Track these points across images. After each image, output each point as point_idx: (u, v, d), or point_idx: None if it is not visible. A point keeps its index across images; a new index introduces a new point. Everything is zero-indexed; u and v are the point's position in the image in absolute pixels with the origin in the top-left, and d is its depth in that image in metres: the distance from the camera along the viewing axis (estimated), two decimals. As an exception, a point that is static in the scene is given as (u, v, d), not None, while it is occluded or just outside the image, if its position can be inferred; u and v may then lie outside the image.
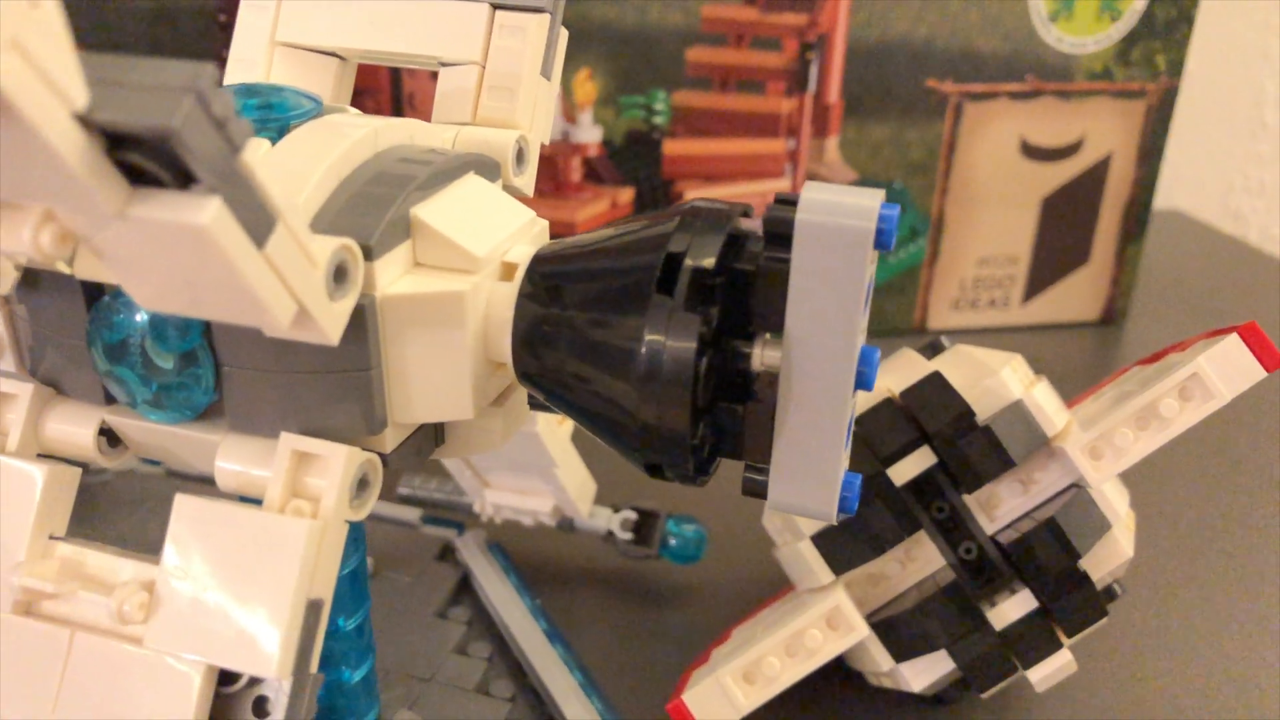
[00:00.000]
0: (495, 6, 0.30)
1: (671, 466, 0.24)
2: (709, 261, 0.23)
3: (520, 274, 0.25)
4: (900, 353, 0.40)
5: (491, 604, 0.43)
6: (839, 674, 0.41)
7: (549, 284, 0.25)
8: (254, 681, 0.24)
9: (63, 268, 0.24)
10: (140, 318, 0.24)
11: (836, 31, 0.62)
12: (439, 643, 0.41)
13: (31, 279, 0.25)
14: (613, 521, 0.46)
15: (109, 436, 0.26)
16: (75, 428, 0.26)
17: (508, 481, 0.45)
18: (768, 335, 0.25)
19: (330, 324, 0.22)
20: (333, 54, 0.32)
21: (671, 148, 0.64)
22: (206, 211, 0.18)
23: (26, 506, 0.25)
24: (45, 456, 0.26)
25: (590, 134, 0.62)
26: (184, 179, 0.19)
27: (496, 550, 0.46)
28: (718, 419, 0.25)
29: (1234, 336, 0.34)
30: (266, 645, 0.23)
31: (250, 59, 0.32)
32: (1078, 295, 0.73)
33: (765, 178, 0.65)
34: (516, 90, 0.30)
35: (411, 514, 0.48)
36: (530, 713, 0.38)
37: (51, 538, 0.25)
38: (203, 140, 0.18)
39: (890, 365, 0.39)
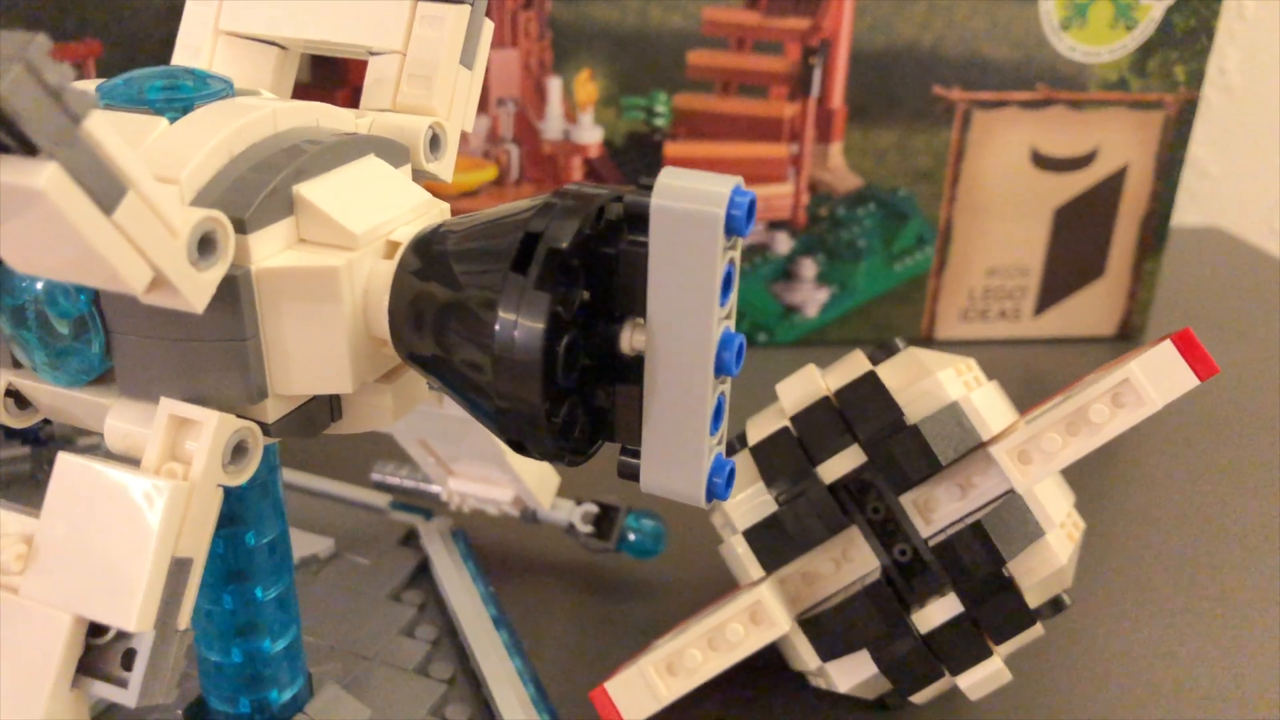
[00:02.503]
0: None
1: (531, 444, 0.25)
2: (564, 242, 0.23)
3: (400, 252, 0.26)
4: (850, 354, 0.40)
5: (444, 589, 0.43)
6: (784, 675, 0.41)
7: (424, 262, 0.26)
8: (123, 635, 0.25)
9: (-35, 235, 0.25)
10: (39, 285, 0.26)
11: (840, 36, 0.62)
12: (387, 624, 0.42)
13: (-51, 247, 0.27)
14: (574, 514, 0.46)
15: (17, 398, 0.28)
16: (-17, 388, 0.27)
17: (471, 470, 0.46)
18: (639, 319, 0.25)
19: (194, 293, 0.23)
20: (272, 43, 0.33)
21: (673, 150, 0.64)
22: (42, 176, 0.19)
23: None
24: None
25: (591, 134, 0.63)
26: (29, 146, 0.20)
27: (459, 538, 0.47)
28: (593, 401, 0.26)
29: (1167, 343, 0.33)
30: (127, 599, 0.24)
31: (195, 46, 0.33)
32: (1093, 309, 0.71)
33: (768, 182, 0.65)
34: (433, 78, 0.31)
35: (381, 499, 0.49)
36: (466, 695, 0.39)
37: (-48, 491, 0.27)
38: (34, 107, 0.19)
39: (835, 366, 0.39)
